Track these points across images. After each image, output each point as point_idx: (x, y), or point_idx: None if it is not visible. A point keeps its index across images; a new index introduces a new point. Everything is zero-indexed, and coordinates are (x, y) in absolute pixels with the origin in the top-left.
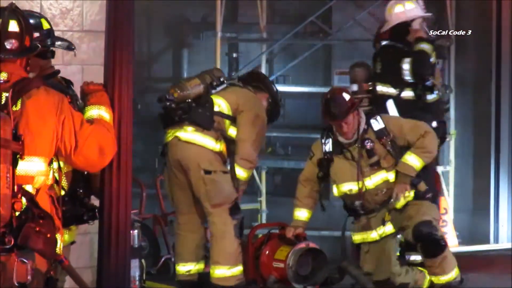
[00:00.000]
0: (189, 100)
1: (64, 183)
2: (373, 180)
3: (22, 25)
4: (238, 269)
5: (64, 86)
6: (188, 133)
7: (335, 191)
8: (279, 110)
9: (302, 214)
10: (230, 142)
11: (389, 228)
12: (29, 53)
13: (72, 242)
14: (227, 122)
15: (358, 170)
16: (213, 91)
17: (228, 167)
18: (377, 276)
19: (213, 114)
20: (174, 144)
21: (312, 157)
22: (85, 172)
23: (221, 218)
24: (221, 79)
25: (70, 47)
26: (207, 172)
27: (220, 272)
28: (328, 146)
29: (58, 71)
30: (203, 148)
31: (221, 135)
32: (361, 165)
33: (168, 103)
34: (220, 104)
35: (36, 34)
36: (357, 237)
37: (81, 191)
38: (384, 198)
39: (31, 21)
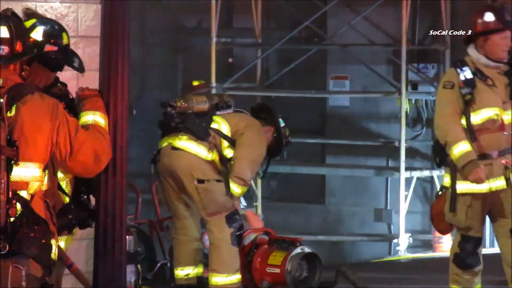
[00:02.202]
0: (190, 112)
1: (68, 190)
2: (506, 117)
3: (12, 31)
4: (236, 277)
5: (64, 92)
6: (182, 141)
7: (475, 119)
8: (282, 146)
9: (466, 146)
10: (226, 161)
11: (501, 183)
12: (20, 58)
13: None
14: (224, 142)
15: (506, 94)
16: (218, 112)
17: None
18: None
19: (209, 127)
20: (167, 154)
21: (453, 86)
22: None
23: (218, 227)
24: (228, 104)
25: (82, 69)
26: (200, 181)
27: (217, 280)
28: (467, 73)
29: (58, 78)
30: (195, 157)
31: (215, 147)
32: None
33: (169, 109)
34: (220, 123)
35: (55, 48)
36: (462, 186)
37: (85, 196)
38: (507, 144)
39: (53, 32)
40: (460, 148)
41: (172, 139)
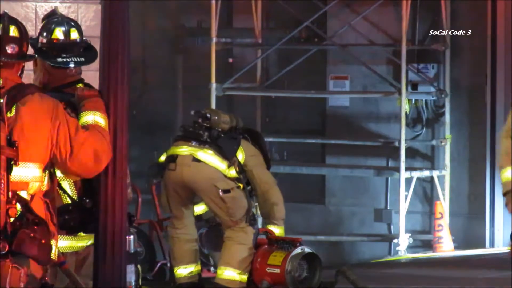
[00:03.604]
0: (220, 130)
1: (73, 192)
2: None
3: (22, 31)
4: (245, 277)
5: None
6: (207, 155)
7: None
8: (269, 168)
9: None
10: (238, 180)
11: None
12: (29, 59)
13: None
14: (237, 166)
15: None
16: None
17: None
18: None
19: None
20: (187, 164)
21: None
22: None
23: (242, 227)
24: (241, 129)
25: (63, 63)
26: (226, 191)
27: (228, 274)
28: None
29: (81, 80)
30: (217, 170)
31: (233, 165)
32: None
33: (201, 120)
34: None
35: (44, 40)
36: None
37: (87, 200)
38: None
39: (46, 25)
40: (503, 175)
41: (195, 150)
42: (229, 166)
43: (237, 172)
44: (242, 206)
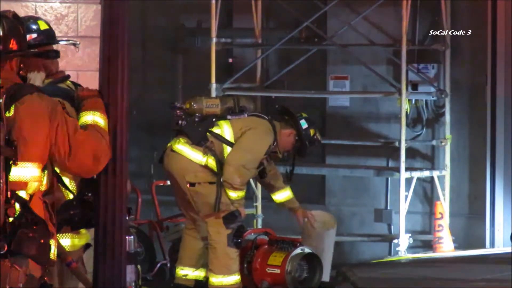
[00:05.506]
0: (197, 115)
1: (73, 187)
2: None
3: (5, 28)
4: (234, 278)
5: (73, 91)
6: (180, 144)
7: None
8: (305, 147)
9: None
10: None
11: None
12: (11, 53)
13: (88, 245)
14: (226, 147)
15: None
16: (228, 117)
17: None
18: None
19: (210, 132)
20: (167, 155)
21: None
22: (94, 176)
23: (214, 228)
24: (243, 109)
25: (74, 43)
26: (192, 184)
27: (215, 280)
28: None
29: (68, 76)
30: (189, 161)
31: (210, 151)
32: None
33: (177, 111)
34: (224, 128)
35: (34, 35)
36: None
37: (89, 194)
38: None
39: (28, 24)
40: None
41: (174, 142)
42: (205, 154)
43: (215, 161)
44: (208, 203)
